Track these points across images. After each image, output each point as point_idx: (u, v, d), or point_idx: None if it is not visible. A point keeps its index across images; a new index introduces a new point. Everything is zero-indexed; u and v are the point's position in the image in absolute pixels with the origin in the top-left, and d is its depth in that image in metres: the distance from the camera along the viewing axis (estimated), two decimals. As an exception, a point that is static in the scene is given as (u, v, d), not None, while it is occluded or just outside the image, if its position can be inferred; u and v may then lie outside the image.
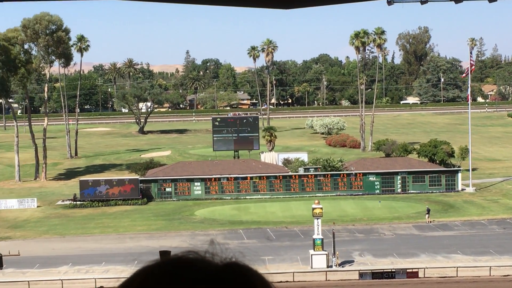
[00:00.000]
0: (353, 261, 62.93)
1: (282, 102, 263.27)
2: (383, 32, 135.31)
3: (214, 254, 2.25)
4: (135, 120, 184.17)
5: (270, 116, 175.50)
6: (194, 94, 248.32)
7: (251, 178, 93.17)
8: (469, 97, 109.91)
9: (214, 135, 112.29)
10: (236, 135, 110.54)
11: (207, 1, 9.34)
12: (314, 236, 61.33)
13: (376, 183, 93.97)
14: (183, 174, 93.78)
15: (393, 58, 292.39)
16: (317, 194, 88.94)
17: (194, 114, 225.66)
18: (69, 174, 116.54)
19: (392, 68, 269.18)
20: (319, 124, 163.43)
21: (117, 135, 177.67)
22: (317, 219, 61.02)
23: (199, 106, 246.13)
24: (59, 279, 59.37)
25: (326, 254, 60.96)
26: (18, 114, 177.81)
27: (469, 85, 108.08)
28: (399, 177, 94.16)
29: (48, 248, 70.39)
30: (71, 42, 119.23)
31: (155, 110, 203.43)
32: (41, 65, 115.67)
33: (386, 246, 67.68)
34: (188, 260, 2.21)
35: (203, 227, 77.67)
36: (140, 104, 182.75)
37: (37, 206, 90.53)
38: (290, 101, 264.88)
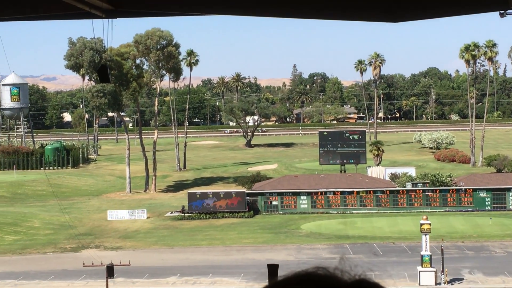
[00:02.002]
0: (462, 279, 61.52)
1: (389, 116, 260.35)
2: (494, 45, 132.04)
3: (343, 271, 2.25)
4: (242, 134, 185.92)
5: (377, 130, 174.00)
6: (301, 107, 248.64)
7: (358, 192, 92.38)
8: None
9: (320, 149, 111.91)
10: (343, 149, 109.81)
11: (315, 16, 9.39)
12: (422, 253, 60.34)
13: (486, 199, 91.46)
14: (290, 188, 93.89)
15: (505, 71, 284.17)
16: (425, 210, 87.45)
17: (300, 127, 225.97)
18: (178, 186, 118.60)
19: (504, 81, 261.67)
20: (428, 138, 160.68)
21: (225, 148, 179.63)
22: (425, 235, 60.02)
23: (305, 120, 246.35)
24: (168, 289, 60.47)
25: (435, 271, 59.88)
26: (130, 127, 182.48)
27: None
28: (511, 193, 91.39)
29: (157, 258, 71.82)
30: (180, 57, 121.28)
31: (262, 123, 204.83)
32: (151, 80, 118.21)
33: (497, 264, 65.81)
34: (318, 276, 2.21)
35: (309, 241, 77.51)
36: (247, 118, 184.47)
37: (147, 217, 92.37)
38: (397, 115, 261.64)
